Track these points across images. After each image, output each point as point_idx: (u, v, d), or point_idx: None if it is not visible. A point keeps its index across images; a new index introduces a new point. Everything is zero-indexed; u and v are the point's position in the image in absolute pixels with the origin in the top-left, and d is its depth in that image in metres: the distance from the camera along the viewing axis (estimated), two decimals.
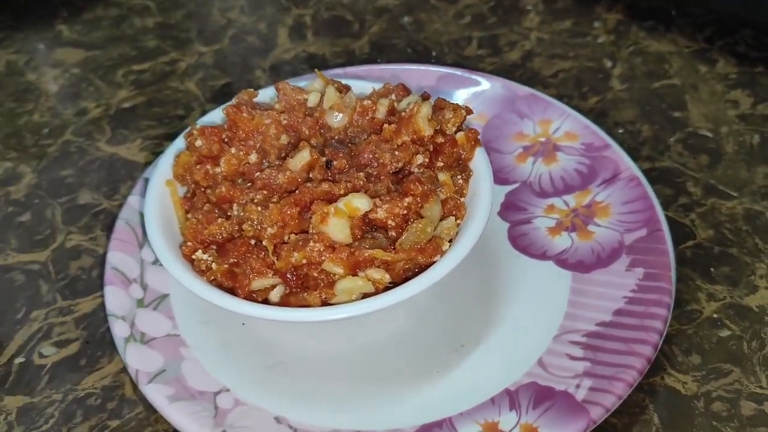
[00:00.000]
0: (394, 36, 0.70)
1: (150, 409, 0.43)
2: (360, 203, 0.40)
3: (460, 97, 0.57)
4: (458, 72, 0.58)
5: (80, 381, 0.45)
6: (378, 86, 0.49)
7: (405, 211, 0.41)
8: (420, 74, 0.58)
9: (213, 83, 0.66)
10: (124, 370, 0.45)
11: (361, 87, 0.49)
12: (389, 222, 0.41)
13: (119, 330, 0.44)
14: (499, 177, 0.53)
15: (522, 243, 0.49)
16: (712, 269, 0.49)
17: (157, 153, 0.59)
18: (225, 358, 0.44)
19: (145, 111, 0.64)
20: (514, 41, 0.69)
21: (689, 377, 0.43)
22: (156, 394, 0.41)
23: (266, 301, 0.41)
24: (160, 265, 0.45)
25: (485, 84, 0.58)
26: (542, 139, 0.55)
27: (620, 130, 0.59)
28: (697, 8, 0.70)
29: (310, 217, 0.41)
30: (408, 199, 0.41)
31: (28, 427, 0.42)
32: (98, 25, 0.74)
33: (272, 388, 0.42)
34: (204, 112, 0.62)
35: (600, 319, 0.44)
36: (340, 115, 0.46)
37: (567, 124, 0.55)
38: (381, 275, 0.40)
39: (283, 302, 0.41)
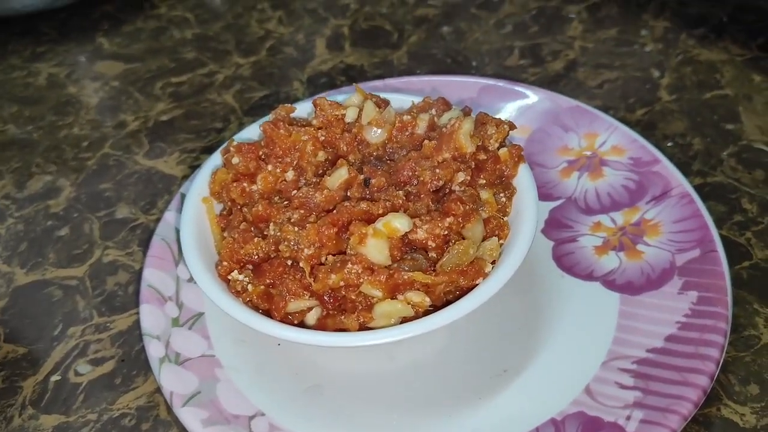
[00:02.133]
0: (433, 46, 0.69)
1: (184, 431, 0.42)
2: (399, 224, 0.39)
3: (502, 109, 0.56)
4: (500, 83, 0.57)
5: (115, 400, 0.44)
6: (418, 100, 0.48)
7: (446, 232, 0.40)
8: (461, 86, 0.57)
9: (250, 95, 0.66)
10: (159, 389, 0.44)
11: (401, 101, 0.48)
12: (429, 243, 0.40)
13: (154, 350, 0.43)
14: (543, 192, 0.51)
15: (567, 262, 0.47)
16: None
17: (194, 167, 0.58)
18: (260, 380, 0.43)
19: (182, 123, 0.63)
20: (557, 51, 0.67)
21: (747, 408, 0.40)
22: (190, 418, 0.40)
23: (302, 324, 0.40)
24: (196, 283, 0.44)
25: (528, 95, 0.56)
26: (588, 153, 0.53)
27: (669, 144, 0.57)
28: (751, 14, 0.67)
29: (348, 238, 0.40)
30: (449, 219, 0.40)
31: None
32: (138, 38, 0.74)
33: (308, 413, 0.41)
34: (241, 125, 0.62)
35: (651, 345, 0.41)
36: (379, 130, 0.45)
37: (614, 138, 0.53)
38: (421, 298, 0.39)
39: (320, 325, 0.40)
